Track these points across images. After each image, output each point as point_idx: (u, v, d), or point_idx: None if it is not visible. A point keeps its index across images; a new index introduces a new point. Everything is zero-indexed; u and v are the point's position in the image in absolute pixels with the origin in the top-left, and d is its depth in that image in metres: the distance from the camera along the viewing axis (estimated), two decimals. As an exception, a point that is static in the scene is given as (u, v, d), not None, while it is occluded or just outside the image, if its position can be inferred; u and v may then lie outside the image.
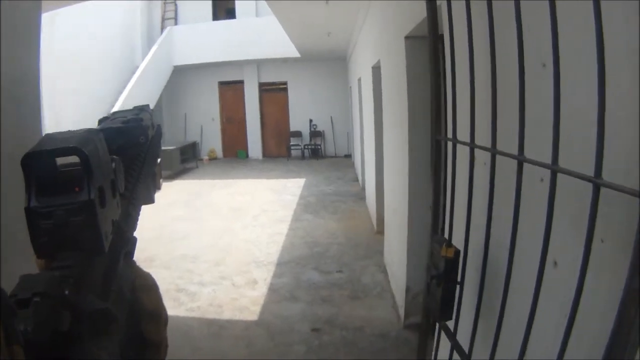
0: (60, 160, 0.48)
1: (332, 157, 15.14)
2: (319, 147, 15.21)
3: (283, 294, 4.78)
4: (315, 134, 15.25)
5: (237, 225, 7.55)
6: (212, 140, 16.12)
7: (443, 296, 1.53)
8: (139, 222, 0.69)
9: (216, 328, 4.08)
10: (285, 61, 14.27)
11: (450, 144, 1.51)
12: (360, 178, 10.00)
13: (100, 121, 0.71)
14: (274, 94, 15.69)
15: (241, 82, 15.58)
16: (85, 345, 0.45)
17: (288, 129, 15.60)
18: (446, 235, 1.58)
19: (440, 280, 1.54)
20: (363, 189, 9.18)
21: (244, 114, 15.80)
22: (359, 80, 8.49)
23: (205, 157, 15.60)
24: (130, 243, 0.62)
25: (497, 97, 1.11)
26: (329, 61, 14.18)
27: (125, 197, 0.63)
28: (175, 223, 7.75)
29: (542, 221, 0.94)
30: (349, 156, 14.35)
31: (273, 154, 15.80)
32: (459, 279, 1.51)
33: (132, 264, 0.64)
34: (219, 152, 16.21)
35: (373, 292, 4.67)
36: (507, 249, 1.13)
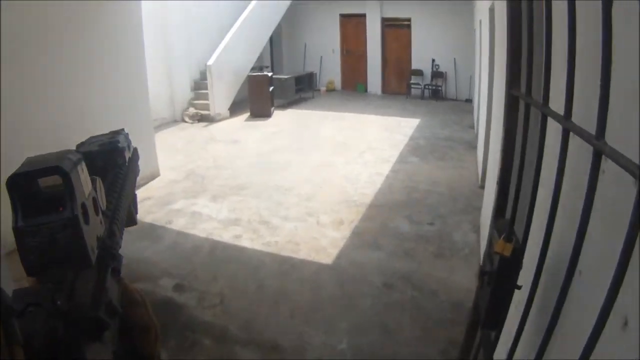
0: (45, 182, 0.50)
1: (452, 100, 14.22)
2: (440, 88, 14.35)
3: (365, 240, 4.58)
4: (437, 74, 14.37)
5: (339, 161, 7.40)
6: (332, 72, 15.99)
7: (490, 300, 1.19)
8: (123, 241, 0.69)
9: (287, 267, 4.03)
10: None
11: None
12: (475, 125, 9.22)
13: (78, 147, 0.75)
14: (396, 30, 14.91)
15: (363, 15, 15.03)
16: (79, 352, 0.46)
17: (409, 66, 14.87)
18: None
19: (491, 279, 1.20)
20: (477, 137, 8.46)
21: (365, 48, 15.34)
22: (480, 22, 7.61)
23: (323, 88, 15.56)
24: (116, 260, 0.63)
25: (551, 47, 0.85)
26: (456, 0, 12.94)
27: (107, 216, 0.65)
28: (277, 153, 7.82)
29: (618, 222, 0.60)
30: (469, 101, 13.33)
31: (392, 90, 15.29)
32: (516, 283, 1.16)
33: (120, 280, 0.65)
34: (338, 84, 16.08)
35: (460, 253, 4.27)
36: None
